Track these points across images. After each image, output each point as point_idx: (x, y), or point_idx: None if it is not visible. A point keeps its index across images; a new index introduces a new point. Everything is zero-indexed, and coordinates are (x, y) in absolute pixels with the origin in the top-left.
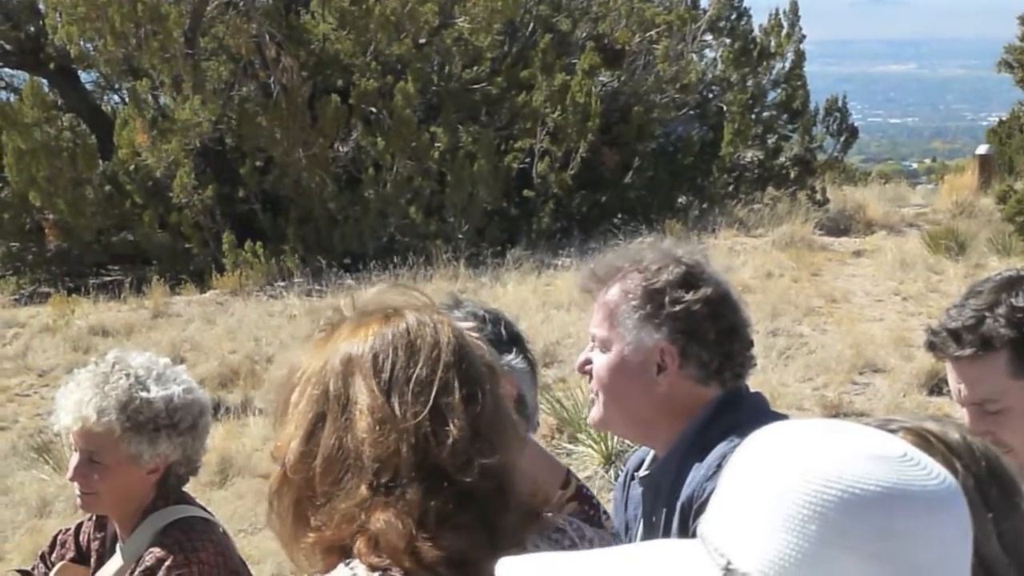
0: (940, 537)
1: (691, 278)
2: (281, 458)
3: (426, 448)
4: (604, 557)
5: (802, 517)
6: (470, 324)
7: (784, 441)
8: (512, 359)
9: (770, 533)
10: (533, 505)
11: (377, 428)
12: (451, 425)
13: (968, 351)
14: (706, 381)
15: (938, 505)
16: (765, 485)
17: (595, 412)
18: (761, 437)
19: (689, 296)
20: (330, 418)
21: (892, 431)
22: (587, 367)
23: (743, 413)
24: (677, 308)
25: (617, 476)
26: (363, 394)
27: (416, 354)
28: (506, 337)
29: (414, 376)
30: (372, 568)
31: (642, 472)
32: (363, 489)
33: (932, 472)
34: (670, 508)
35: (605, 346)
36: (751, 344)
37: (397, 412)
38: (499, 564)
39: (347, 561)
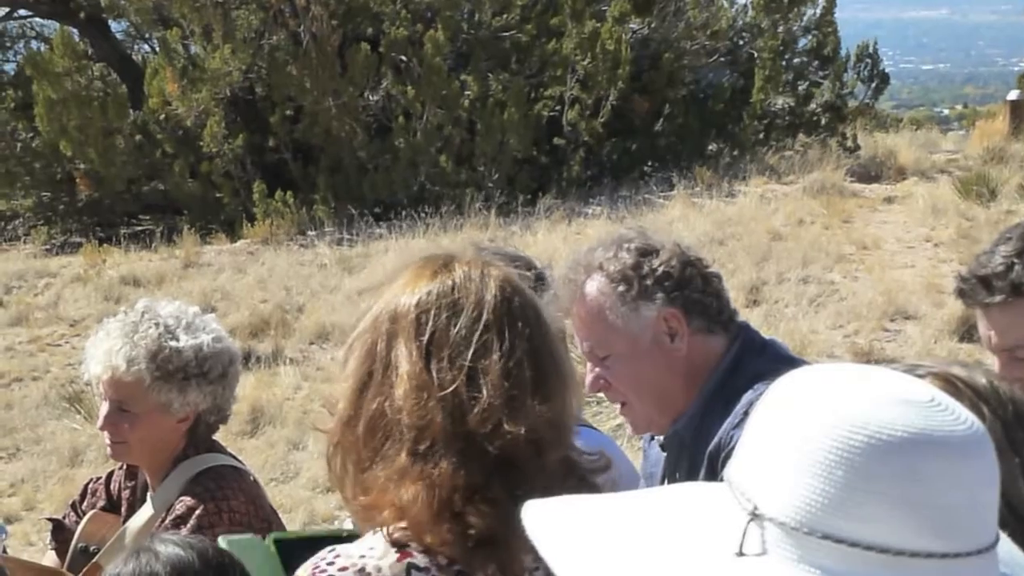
0: (967, 481)
1: (647, 247)
2: (333, 413)
3: (460, 415)
4: (631, 499)
5: (829, 462)
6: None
7: (810, 386)
8: None
9: (797, 478)
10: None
11: (414, 395)
12: (484, 391)
13: (998, 298)
14: (713, 329)
15: (965, 449)
16: (792, 430)
17: (636, 420)
18: (787, 383)
19: (658, 260)
20: (374, 381)
21: (919, 376)
22: (600, 382)
23: (765, 360)
24: (658, 273)
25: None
26: (404, 357)
27: (458, 314)
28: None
29: (452, 337)
30: (393, 543)
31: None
32: (403, 456)
33: (959, 416)
34: (694, 460)
35: (609, 350)
36: (722, 278)
37: (435, 378)
38: (525, 507)
39: (375, 530)
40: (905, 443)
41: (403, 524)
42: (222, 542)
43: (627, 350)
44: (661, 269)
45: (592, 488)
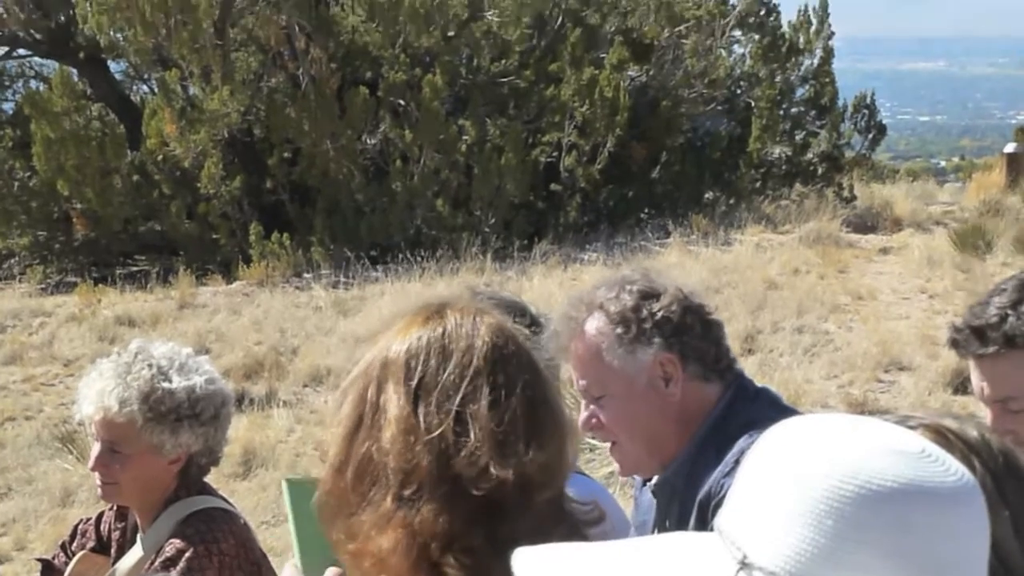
0: (958, 533)
1: (649, 290)
2: (325, 459)
3: (447, 458)
4: (619, 548)
5: (819, 512)
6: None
7: (802, 435)
8: None
9: (787, 527)
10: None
11: (401, 439)
12: (471, 435)
13: (991, 349)
14: (709, 376)
15: (956, 501)
16: (783, 479)
17: (623, 460)
18: (779, 431)
19: (659, 304)
20: (363, 426)
21: (911, 427)
22: (592, 421)
23: (757, 408)
24: (657, 317)
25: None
26: (392, 402)
27: (447, 359)
28: None
29: (442, 383)
30: None
31: (655, 480)
32: (388, 501)
33: (950, 468)
34: (684, 507)
35: (604, 390)
36: (723, 326)
37: (422, 422)
38: (515, 553)
39: None
40: (896, 493)
41: (381, 575)
42: (284, 484)
43: (621, 392)
44: (661, 314)
45: (583, 539)
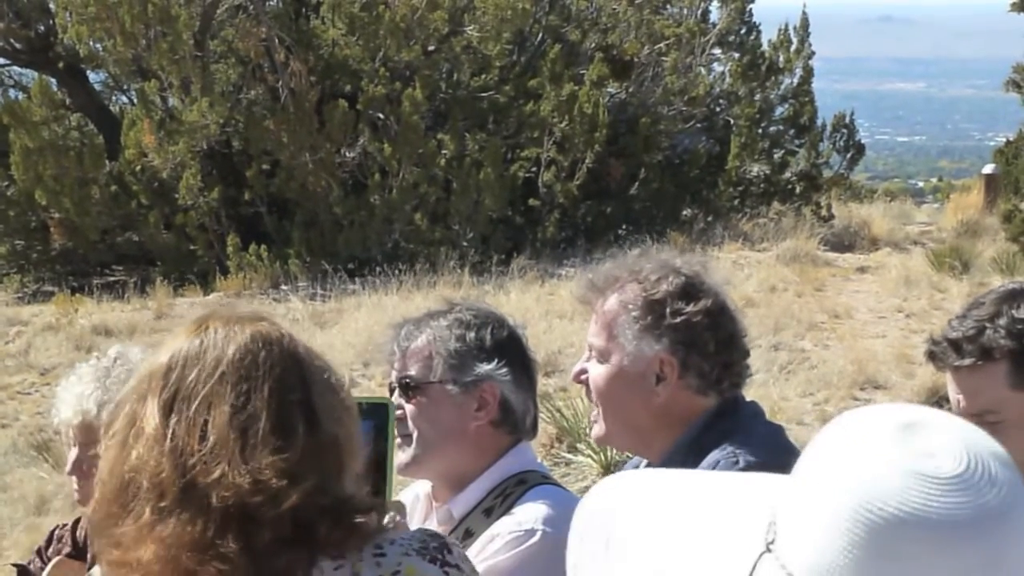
0: (956, 568)
1: (691, 289)
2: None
3: (185, 466)
4: (687, 478)
5: (846, 530)
6: (431, 335)
7: (850, 442)
8: (490, 368)
9: (819, 538)
10: (346, 512)
11: (151, 450)
12: (208, 442)
13: (968, 361)
14: (705, 391)
15: (958, 535)
16: (818, 483)
17: (597, 428)
18: (844, 422)
19: (689, 307)
20: (127, 439)
21: None
22: (583, 376)
23: (737, 421)
24: (678, 320)
25: None
26: (148, 415)
27: (199, 368)
28: (490, 344)
29: (188, 393)
30: None
31: None
32: (147, 513)
33: (973, 500)
34: None
35: (603, 356)
36: (748, 353)
37: (168, 432)
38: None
39: None
40: (893, 521)
41: None
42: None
43: (615, 364)
44: (683, 319)
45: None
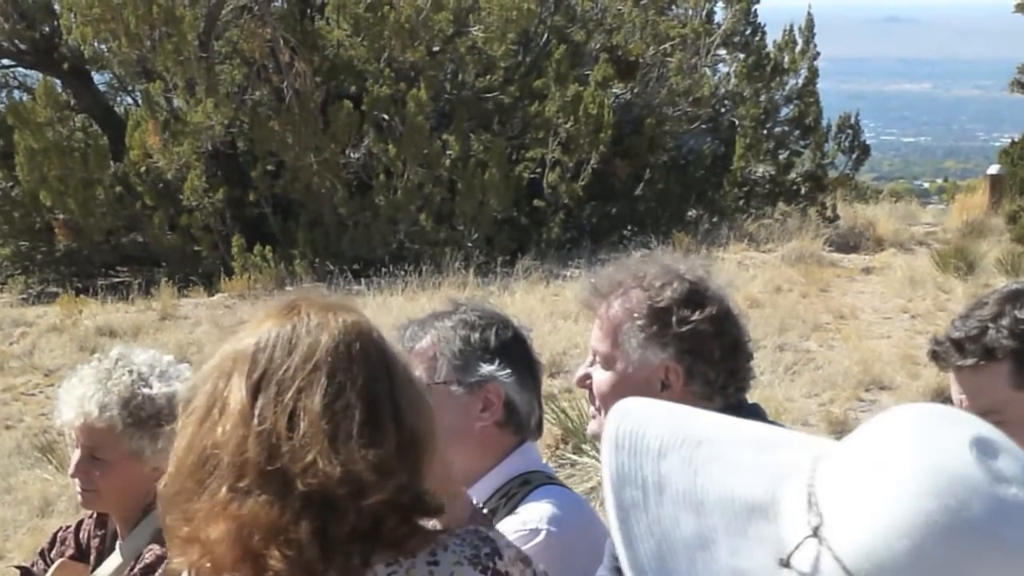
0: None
1: (696, 296)
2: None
3: (274, 451)
4: (726, 425)
5: (901, 529)
6: (431, 335)
7: (912, 440)
8: (494, 369)
9: (871, 526)
10: (413, 512)
11: (236, 431)
12: (300, 429)
13: (970, 361)
14: (710, 396)
15: (979, 543)
16: (896, 494)
17: (594, 425)
18: (911, 414)
19: (695, 315)
20: (209, 417)
21: None
22: (587, 382)
23: None
24: (683, 328)
25: None
26: (234, 395)
27: (291, 353)
28: (494, 345)
29: (280, 377)
30: None
31: None
32: (223, 492)
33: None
34: None
35: (607, 363)
36: (751, 357)
37: (257, 414)
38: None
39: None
40: (976, 529)
41: (208, 563)
42: None
43: (619, 370)
44: (688, 327)
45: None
